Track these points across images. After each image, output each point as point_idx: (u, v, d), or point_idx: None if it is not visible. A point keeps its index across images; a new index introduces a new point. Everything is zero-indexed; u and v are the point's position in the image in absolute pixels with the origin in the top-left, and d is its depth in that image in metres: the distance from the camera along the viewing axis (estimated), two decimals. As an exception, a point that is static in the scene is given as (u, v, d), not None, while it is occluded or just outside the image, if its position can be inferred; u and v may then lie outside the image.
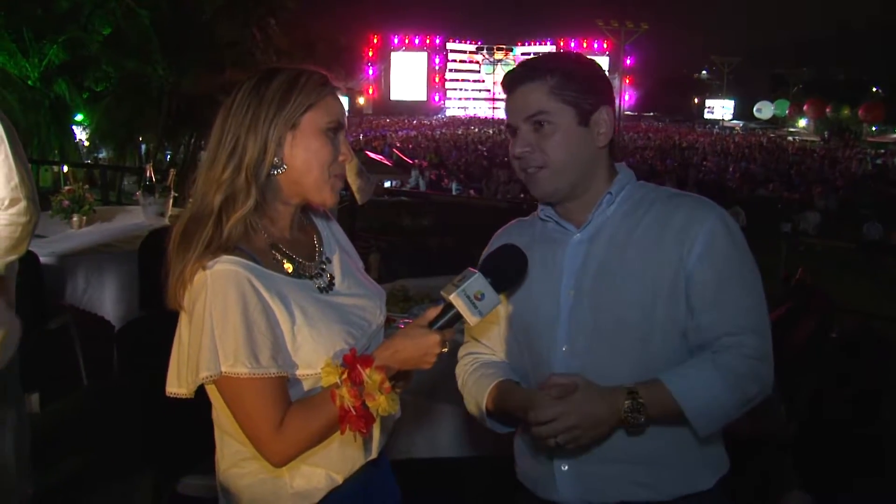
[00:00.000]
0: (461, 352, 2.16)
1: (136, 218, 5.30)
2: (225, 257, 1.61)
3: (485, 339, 2.10)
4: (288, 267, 1.72)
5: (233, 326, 1.57)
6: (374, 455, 1.85)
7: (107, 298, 4.42)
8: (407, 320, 2.04)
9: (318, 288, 1.77)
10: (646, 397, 1.72)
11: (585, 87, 1.83)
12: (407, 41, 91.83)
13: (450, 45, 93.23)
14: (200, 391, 1.69)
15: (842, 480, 2.60)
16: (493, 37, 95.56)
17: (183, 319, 1.67)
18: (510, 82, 1.89)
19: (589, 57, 1.97)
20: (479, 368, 2.06)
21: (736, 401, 1.75)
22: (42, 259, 4.19)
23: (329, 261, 1.85)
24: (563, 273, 1.88)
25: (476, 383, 2.03)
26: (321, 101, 1.70)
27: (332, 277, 1.82)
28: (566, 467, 1.86)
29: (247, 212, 1.66)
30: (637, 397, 1.72)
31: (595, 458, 1.83)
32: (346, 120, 1.77)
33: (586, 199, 1.89)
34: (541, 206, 1.98)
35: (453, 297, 1.64)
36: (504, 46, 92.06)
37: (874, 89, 76.11)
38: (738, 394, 1.75)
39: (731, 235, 1.80)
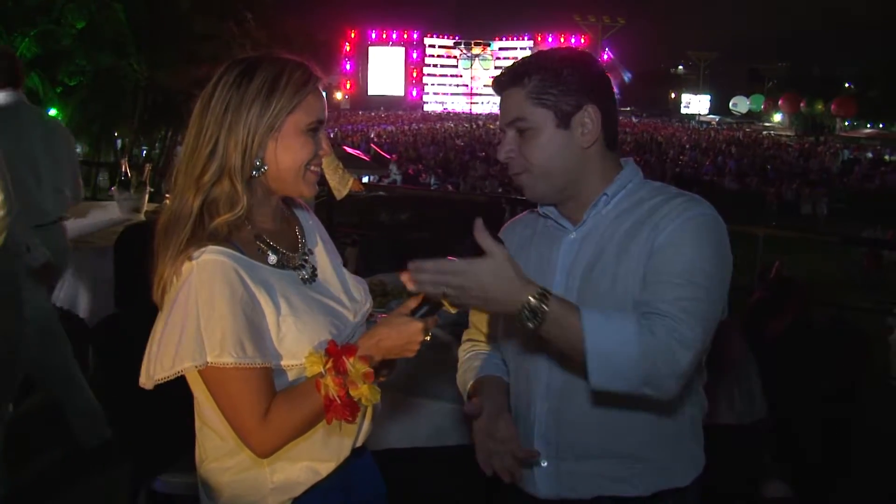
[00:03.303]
0: (464, 336, 2.22)
1: (111, 213, 5.25)
2: (211, 247, 1.60)
3: (483, 327, 2.14)
4: (272, 258, 1.72)
5: (219, 316, 1.56)
6: (359, 444, 1.85)
7: (82, 295, 4.39)
8: (384, 316, 2.04)
9: (302, 279, 1.77)
10: (553, 309, 1.58)
11: (566, 88, 1.78)
12: (384, 36, 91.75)
13: (427, 40, 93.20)
14: (178, 387, 1.68)
15: (820, 471, 2.62)
16: (470, 32, 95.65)
17: (163, 310, 1.65)
18: (497, 86, 1.87)
19: (583, 51, 1.92)
20: (471, 359, 2.11)
21: (641, 368, 1.59)
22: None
23: (311, 252, 1.86)
24: (556, 271, 1.87)
25: (465, 373, 2.09)
26: (303, 102, 1.67)
27: (315, 269, 1.83)
28: (545, 463, 1.87)
29: (235, 217, 1.65)
30: (544, 302, 1.57)
31: (572, 454, 1.84)
32: (326, 114, 1.75)
33: (582, 199, 1.86)
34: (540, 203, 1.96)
35: None
36: (482, 41, 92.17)
37: (847, 85, 77.01)
38: (647, 362, 1.58)
39: (707, 231, 1.73)
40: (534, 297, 1.57)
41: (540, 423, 1.87)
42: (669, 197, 1.81)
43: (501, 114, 1.86)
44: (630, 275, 1.74)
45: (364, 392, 1.60)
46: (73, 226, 4.92)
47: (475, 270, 1.57)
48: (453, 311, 1.67)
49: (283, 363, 1.66)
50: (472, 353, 2.14)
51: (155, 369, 1.60)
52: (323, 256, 1.88)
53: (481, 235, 1.59)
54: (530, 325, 1.58)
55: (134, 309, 2.82)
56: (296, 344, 1.66)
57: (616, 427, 1.80)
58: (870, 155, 48.64)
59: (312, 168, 1.73)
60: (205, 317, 1.56)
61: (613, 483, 1.82)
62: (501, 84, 1.85)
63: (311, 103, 1.69)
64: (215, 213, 1.64)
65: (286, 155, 1.68)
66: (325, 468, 1.77)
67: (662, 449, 1.83)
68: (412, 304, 1.70)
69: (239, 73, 1.66)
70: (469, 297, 1.59)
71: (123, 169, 5.20)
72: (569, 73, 1.79)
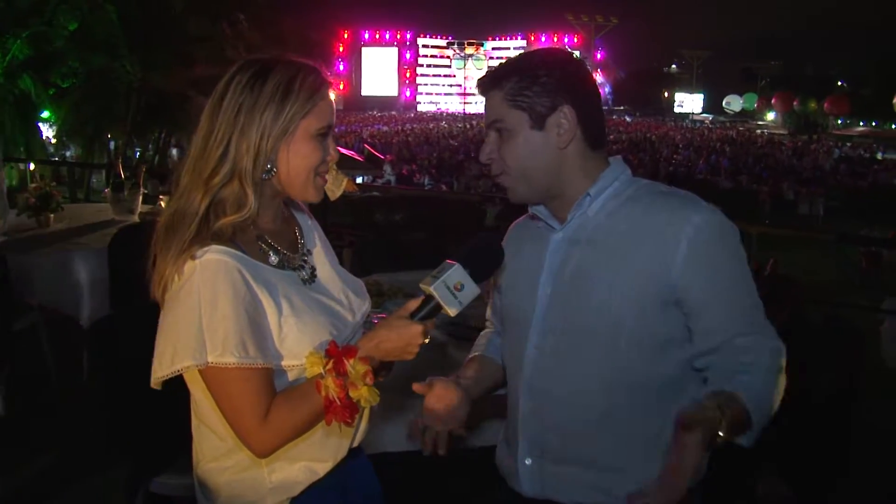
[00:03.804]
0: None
1: (104, 215, 5.24)
2: (214, 247, 1.59)
3: (493, 318, 2.21)
4: (273, 258, 1.72)
5: (222, 316, 1.55)
6: (356, 444, 1.86)
7: (75, 297, 4.37)
8: (381, 315, 2.04)
9: (302, 280, 1.77)
10: (728, 418, 1.51)
11: (541, 89, 1.78)
12: (377, 36, 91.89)
13: (420, 41, 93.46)
14: (176, 387, 1.67)
15: (817, 469, 2.63)
16: (463, 32, 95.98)
17: (164, 309, 1.65)
18: (480, 89, 1.89)
19: (565, 52, 1.92)
20: (481, 338, 2.22)
21: (776, 399, 1.67)
22: (9, 258, 4.12)
23: (310, 253, 1.86)
24: (544, 271, 1.87)
25: (471, 352, 2.18)
26: (315, 107, 1.67)
27: (314, 269, 1.83)
28: (529, 462, 1.88)
29: (242, 219, 1.64)
30: (724, 416, 1.50)
31: (555, 457, 1.84)
32: (334, 119, 1.75)
33: (566, 198, 1.85)
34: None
35: (434, 288, 1.64)
36: (475, 41, 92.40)
37: (839, 83, 77.29)
38: (779, 392, 1.67)
39: (719, 235, 1.74)
40: (721, 416, 1.50)
41: (525, 420, 1.88)
42: (665, 199, 1.80)
43: (485, 116, 1.88)
44: (628, 285, 1.73)
45: (364, 393, 1.60)
46: (67, 228, 4.92)
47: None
48: (452, 314, 1.67)
49: (283, 363, 1.66)
50: (486, 335, 2.22)
51: (154, 368, 1.60)
52: (322, 257, 1.88)
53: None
54: (743, 441, 1.59)
55: (129, 310, 2.82)
56: (297, 344, 1.66)
57: (599, 436, 1.79)
58: (862, 152, 48.85)
59: (321, 172, 1.73)
60: (207, 316, 1.55)
61: (594, 491, 1.82)
62: (484, 87, 1.87)
63: (323, 108, 1.69)
64: (221, 213, 1.63)
65: (296, 159, 1.68)
66: (323, 468, 1.77)
67: (647, 462, 1.77)
68: (412, 306, 1.70)
69: (252, 75, 1.64)
70: None
71: (117, 170, 5.18)
72: (544, 74, 1.79)
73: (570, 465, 1.83)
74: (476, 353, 2.14)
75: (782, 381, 1.68)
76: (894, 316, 8.99)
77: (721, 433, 1.50)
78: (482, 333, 2.25)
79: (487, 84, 1.85)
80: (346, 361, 1.60)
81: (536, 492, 1.88)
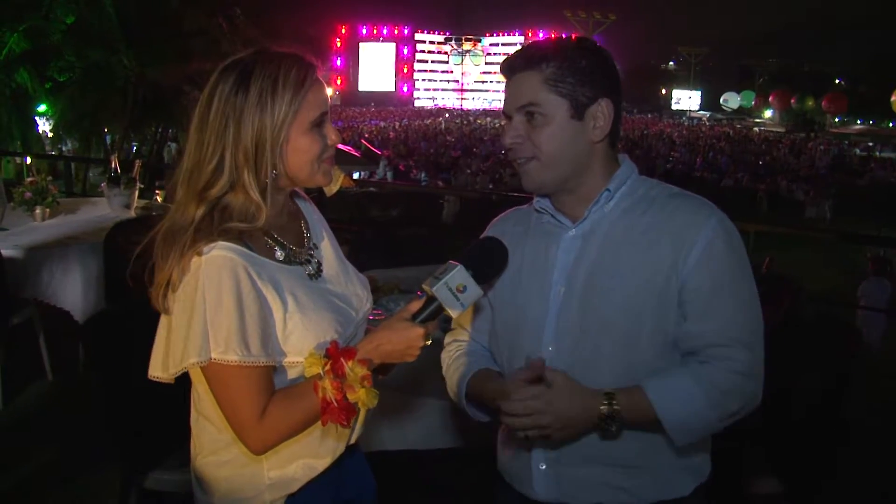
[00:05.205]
0: (447, 338, 2.13)
1: (101, 210, 5.22)
2: (221, 243, 1.58)
3: (471, 328, 2.07)
4: (279, 254, 1.71)
5: (226, 313, 1.55)
6: (353, 441, 1.85)
7: (71, 292, 4.36)
8: (377, 311, 2.03)
9: (308, 274, 1.76)
10: (623, 404, 1.68)
11: (583, 78, 1.75)
12: (375, 31, 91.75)
13: (418, 36, 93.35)
14: (169, 386, 1.67)
15: (811, 467, 2.63)
16: (461, 28, 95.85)
17: (170, 306, 1.63)
18: (508, 69, 1.82)
19: (594, 42, 1.88)
20: (462, 356, 2.04)
21: (716, 416, 1.71)
22: (4, 252, 4.11)
23: (316, 247, 1.84)
24: (555, 269, 1.83)
25: (457, 371, 2.01)
26: (304, 101, 1.64)
27: (320, 264, 1.82)
28: (544, 466, 1.84)
29: (253, 227, 1.63)
30: (613, 403, 1.68)
31: (573, 459, 1.81)
32: (329, 103, 1.73)
33: (582, 194, 1.82)
34: (536, 196, 1.91)
35: (436, 290, 1.63)
36: (472, 37, 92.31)
37: (837, 81, 77.37)
38: (718, 409, 1.70)
39: (730, 243, 1.74)
40: (604, 405, 1.69)
41: None
42: (682, 200, 1.80)
43: (510, 97, 1.81)
44: (648, 282, 1.73)
45: (361, 396, 1.59)
46: (62, 222, 4.91)
47: (545, 403, 1.68)
48: (454, 315, 1.66)
49: (286, 360, 1.66)
50: (461, 350, 2.07)
51: (173, 362, 1.60)
52: (328, 251, 1.87)
53: (540, 368, 1.71)
54: (613, 429, 1.70)
55: (124, 306, 2.81)
56: (301, 341, 1.65)
57: (611, 437, 1.77)
58: (858, 151, 48.93)
59: (325, 158, 1.71)
60: (211, 313, 1.55)
61: (613, 491, 1.81)
62: (514, 67, 1.80)
63: (312, 100, 1.66)
64: (228, 218, 1.62)
65: (296, 156, 1.66)
66: (322, 464, 1.76)
67: (663, 459, 1.80)
68: (413, 307, 1.68)
69: (234, 82, 1.62)
70: (553, 429, 1.70)
71: (113, 165, 5.17)
72: (587, 63, 1.76)
73: (588, 466, 1.81)
74: (480, 367, 1.97)
75: (731, 398, 1.72)
76: (869, 303, 9.11)
77: (603, 420, 1.69)
78: (455, 345, 2.09)
79: (521, 64, 1.79)
80: (344, 363, 1.59)
81: (552, 496, 1.85)
